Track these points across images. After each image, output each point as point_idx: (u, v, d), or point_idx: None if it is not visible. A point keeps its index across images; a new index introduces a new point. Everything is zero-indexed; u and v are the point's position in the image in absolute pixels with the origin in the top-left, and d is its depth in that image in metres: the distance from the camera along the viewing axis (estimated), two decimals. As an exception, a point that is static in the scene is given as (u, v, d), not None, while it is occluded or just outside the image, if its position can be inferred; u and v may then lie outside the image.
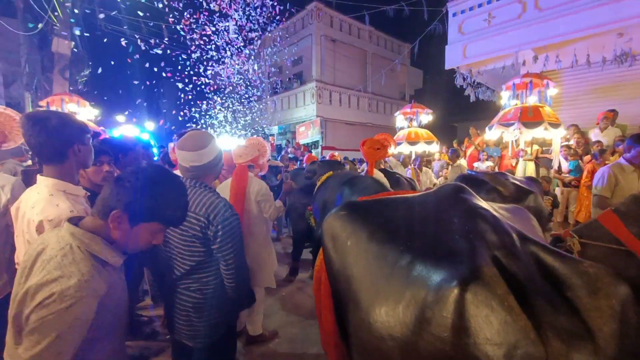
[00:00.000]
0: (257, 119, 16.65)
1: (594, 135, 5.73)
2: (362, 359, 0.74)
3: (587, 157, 5.21)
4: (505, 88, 5.79)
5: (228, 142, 9.05)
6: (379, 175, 2.91)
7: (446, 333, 0.54)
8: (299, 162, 7.69)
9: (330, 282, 0.95)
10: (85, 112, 6.31)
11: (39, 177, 1.25)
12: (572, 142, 5.76)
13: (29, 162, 4.46)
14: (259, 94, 15.66)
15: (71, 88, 8.08)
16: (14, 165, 3.14)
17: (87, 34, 8.24)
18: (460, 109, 14.93)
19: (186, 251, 1.39)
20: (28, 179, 1.88)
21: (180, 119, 13.11)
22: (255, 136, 3.33)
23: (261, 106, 17.88)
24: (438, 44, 8.79)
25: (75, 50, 8.50)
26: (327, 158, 6.42)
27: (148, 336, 2.75)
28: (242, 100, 15.52)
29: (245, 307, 1.78)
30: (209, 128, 13.78)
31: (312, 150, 13.79)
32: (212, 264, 1.43)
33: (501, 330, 0.51)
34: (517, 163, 5.90)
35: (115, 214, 0.88)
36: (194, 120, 13.47)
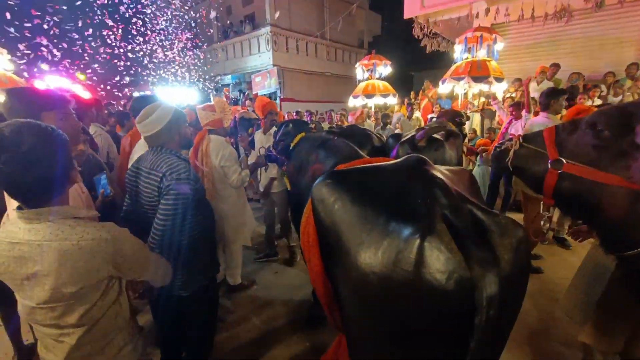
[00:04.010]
0: (206, 68, 15.33)
1: (532, 89, 6.38)
2: (350, 289, 1.02)
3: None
4: (458, 42, 6.06)
5: (179, 96, 8.44)
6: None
7: (411, 268, 0.82)
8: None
9: (319, 235, 1.20)
10: (1, 62, 5.45)
11: None
12: (514, 95, 6.35)
13: None
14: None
15: None
16: None
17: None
18: (418, 58, 15.01)
19: (151, 210, 1.54)
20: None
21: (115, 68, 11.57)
22: (218, 96, 3.23)
23: (208, 55, 16.37)
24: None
25: None
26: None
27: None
28: (188, 48, 14.05)
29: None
30: (149, 81, 12.43)
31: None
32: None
33: (445, 263, 0.79)
34: (464, 115, 6.42)
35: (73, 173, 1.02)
36: (131, 71, 12.00)
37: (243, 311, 2.86)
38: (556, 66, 6.28)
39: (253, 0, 15.38)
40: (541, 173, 1.17)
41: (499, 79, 5.52)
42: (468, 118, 5.31)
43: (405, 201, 0.95)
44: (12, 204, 1.29)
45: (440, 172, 1.09)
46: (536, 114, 5.01)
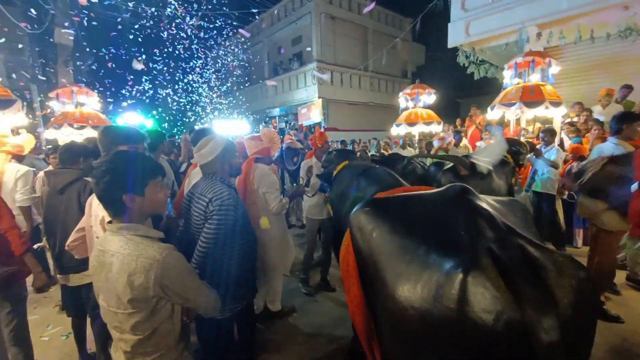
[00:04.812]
0: (258, 101, 16.60)
1: (597, 112, 5.80)
2: (389, 323, 0.97)
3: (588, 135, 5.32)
4: (507, 67, 5.82)
5: (233, 127, 9.15)
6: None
7: (453, 305, 0.76)
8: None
9: (358, 264, 1.18)
10: (92, 103, 6.42)
11: None
12: (575, 119, 5.81)
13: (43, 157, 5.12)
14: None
15: (81, 79, 8.27)
16: (31, 160, 4.32)
17: (87, 24, 8.27)
18: (464, 85, 14.69)
19: (199, 234, 1.64)
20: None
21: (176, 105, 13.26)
22: (267, 127, 3.49)
23: (260, 89, 17.70)
24: (441, 18, 8.59)
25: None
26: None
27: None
28: (240, 84, 15.48)
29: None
30: (206, 116, 13.87)
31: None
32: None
33: (492, 302, 0.73)
34: (518, 142, 5.99)
35: (126, 198, 1.09)
36: (190, 106, 13.60)
37: (282, 338, 2.83)
38: (628, 88, 5.68)
39: (302, 40, 16.54)
40: (625, 196, 1.08)
41: (555, 103, 5.13)
42: (532, 148, 4.41)
43: (447, 232, 0.91)
44: (98, 218, 1.51)
45: (486, 202, 1.03)
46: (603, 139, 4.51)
